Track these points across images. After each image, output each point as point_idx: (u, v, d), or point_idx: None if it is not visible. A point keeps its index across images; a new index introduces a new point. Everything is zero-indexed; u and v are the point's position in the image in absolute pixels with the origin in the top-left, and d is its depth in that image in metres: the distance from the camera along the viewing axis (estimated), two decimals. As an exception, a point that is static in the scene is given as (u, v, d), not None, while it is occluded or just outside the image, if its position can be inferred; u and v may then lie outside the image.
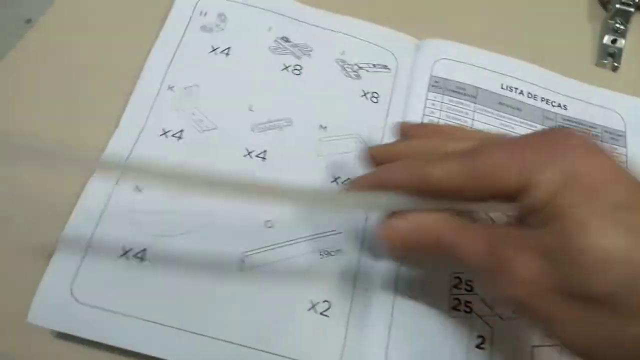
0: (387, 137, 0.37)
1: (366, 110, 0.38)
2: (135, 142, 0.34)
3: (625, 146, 0.40)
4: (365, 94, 0.38)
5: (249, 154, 0.34)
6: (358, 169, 0.35)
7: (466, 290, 0.32)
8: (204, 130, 0.35)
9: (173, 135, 0.34)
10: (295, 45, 0.39)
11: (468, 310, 0.32)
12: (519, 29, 0.44)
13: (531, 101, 0.40)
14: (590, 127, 0.40)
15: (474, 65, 0.41)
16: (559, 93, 0.41)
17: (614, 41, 0.45)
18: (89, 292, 0.29)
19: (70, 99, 0.35)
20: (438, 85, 0.39)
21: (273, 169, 0.34)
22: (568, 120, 0.40)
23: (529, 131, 0.38)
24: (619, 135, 0.40)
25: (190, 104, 0.35)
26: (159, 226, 0.31)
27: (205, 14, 0.39)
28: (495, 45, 0.42)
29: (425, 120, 0.38)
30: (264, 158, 0.34)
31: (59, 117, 0.34)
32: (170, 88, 0.36)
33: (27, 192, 0.31)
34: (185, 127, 0.35)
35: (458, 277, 0.33)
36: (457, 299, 0.32)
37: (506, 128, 0.39)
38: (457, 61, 0.41)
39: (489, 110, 0.39)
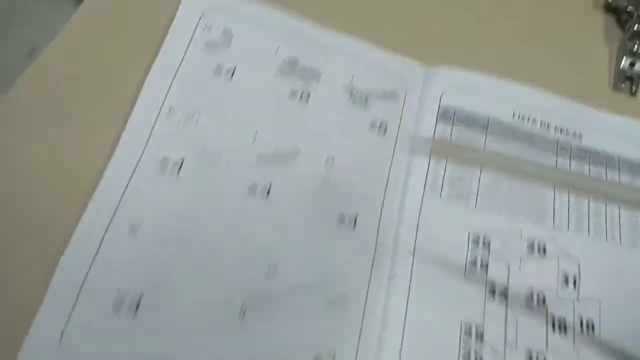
0: (395, 171, 0.35)
1: (374, 143, 0.36)
2: (132, 172, 0.32)
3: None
4: (374, 125, 0.37)
5: (253, 187, 0.33)
6: (366, 205, 0.34)
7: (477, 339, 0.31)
8: (207, 160, 0.33)
9: (174, 165, 0.32)
10: (304, 69, 0.37)
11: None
12: (531, 54, 0.43)
13: (544, 131, 0.39)
14: (607, 158, 0.39)
15: (484, 94, 0.39)
16: (573, 121, 0.40)
17: (632, 64, 0.43)
18: (78, 347, 0.27)
19: (63, 124, 0.33)
20: (447, 115, 0.38)
21: (278, 205, 0.33)
22: (583, 150, 0.39)
23: (542, 162, 0.37)
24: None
25: (192, 130, 0.34)
26: (154, 273, 0.30)
27: (210, 29, 0.37)
28: (507, 72, 0.40)
29: (434, 153, 0.37)
30: (268, 192, 0.33)
31: (52, 143, 0.32)
32: (171, 112, 0.34)
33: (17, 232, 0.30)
34: (186, 155, 0.33)
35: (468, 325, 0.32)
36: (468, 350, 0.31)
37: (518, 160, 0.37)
38: (467, 89, 0.39)
39: (501, 141, 0.38)
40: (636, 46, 0.44)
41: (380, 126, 0.37)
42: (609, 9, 0.46)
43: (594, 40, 0.45)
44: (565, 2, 0.46)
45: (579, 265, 0.35)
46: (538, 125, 0.39)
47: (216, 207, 0.32)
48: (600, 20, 0.46)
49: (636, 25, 0.44)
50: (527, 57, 0.42)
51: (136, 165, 0.32)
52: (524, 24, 0.44)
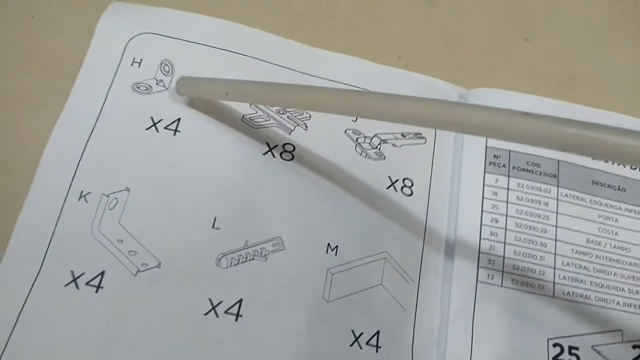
0: (429, 252, 0.24)
1: (396, 210, 0.24)
2: (24, 301, 0.20)
3: None
4: (393, 184, 0.25)
5: (213, 308, 0.21)
6: (390, 320, 0.22)
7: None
8: (140, 271, 0.21)
9: (88, 284, 0.21)
10: (285, 111, 0.25)
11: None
12: (589, 60, 0.31)
13: (637, 174, 0.27)
14: None
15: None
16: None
17: None
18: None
19: None
20: (498, 162, 0.26)
21: (253, 331, 0.21)
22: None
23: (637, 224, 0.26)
24: None
25: (116, 224, 0.22)
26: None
27: (140, 62, 0.25)
28: (561, 89, 0.28)
29: (486, 219, 0.25)
30: (238, 315, 0.21)
31: None
32: (83, 197, 0.22)
33: None
34: (108, 267, 0.21)
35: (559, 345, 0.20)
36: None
37: (606, 222, 0.26)
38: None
39: (579, 195, 0.26)
40: None
41: (404, 184, 0.25)
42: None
43: None
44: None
45: None
46: (629, 166, 0.27)
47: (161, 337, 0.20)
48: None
49: None
50: (585, 67, 0.30)
51: (31, 287, 0.20)
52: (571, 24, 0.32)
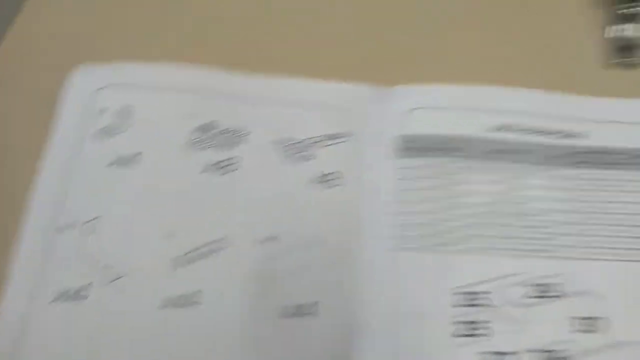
0: (362, 234, 0.28)
1: (327, 201, 0.29)
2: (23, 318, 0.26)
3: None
4: (322, 178, 0.29)
5: (168, 304, 0.26)
6: (328, 292, 0.27)
7: None
8: (112, 281, 0.26)
9: (74, 297, 0.26)
10: (225, 132, 0.30)
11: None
12: (503, 50, 0.34)
13: (540, 139, 0.31)
14: (622, 154, 0.30)
15: (457, 109, 0.31)
16: (572, 119, 0.31)
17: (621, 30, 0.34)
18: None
19: None
20: (414, 145, 0.30)
21: (207, 318, 0.26)
22: (591, 152, 0.30)
23: (545, 185, 0.29)
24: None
25: (93, 246, 0.27)
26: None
27: (103, 111, 0.31)
28: (476, 77, 0.32)
29: (402, 197, 0.29)
30: (195, 302, 0.26)
31: None
32: (66, 228, 0.27)
33: None
34: (91, 280, 0.26)
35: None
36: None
37: (511, 181, 0.29)
38: (435, 108, 0.31)
39: (485, 164, 0.30)
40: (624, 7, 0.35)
41: (331, 178, 0.29)
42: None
43: (570, 15, 0.36)
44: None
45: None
46: (533, 134, 0.31)
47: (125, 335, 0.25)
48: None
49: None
50: (499, 54, 0.34)
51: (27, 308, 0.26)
52: (477, 19, 0.36)
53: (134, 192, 0.28)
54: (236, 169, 0.29)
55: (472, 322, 0.26)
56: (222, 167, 0.29)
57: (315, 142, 0.30)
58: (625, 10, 0.34)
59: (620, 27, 0.34)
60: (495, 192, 0.29)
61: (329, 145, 0.30)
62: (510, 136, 0.31)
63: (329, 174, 0.29)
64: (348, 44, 0.34)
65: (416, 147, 0.30)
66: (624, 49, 0.34)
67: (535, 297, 0.27)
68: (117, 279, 0.26)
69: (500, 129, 0.31)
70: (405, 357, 0.26)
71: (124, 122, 0.30)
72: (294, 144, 0.30)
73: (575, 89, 0.32)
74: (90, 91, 0.31)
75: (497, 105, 0.31)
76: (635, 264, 0.28)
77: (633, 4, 0.34)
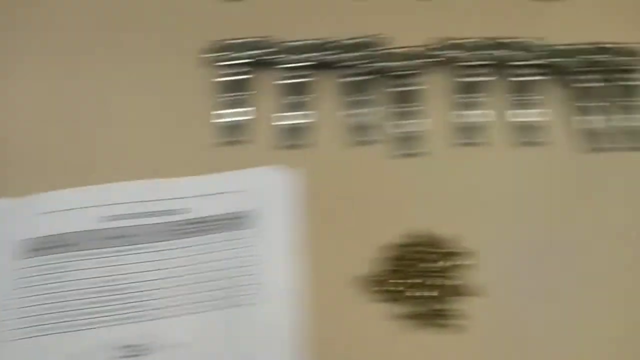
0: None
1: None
2: None
3: (256, 226, 0.37)
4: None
5: None
6: None
7: None
8: None
9: None
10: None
11: None
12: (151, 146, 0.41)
13: (145, 220, 0.37)
14: (216, 221, 0.37)
15: (74, 209, 0.38)
16: (174, 198, 0.38)
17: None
18: None
19: None
20: (37, 246, 0.37)
21: None
22: (192, 223, 0.37)
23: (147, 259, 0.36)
24: (249, 217, 0.37)
25: None
26: None
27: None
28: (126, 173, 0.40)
29: (22, 293, 0.35)
30: None
31: None
32: None
33: None
34: None
35: None
36: None
37: (120, 262, 0.36)
38: (56, 211, 0.38)
39: (95, 251, 0.36)
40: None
41: None
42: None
43: (179, 109, 0.43)
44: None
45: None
46: (140, 218, 0.38)
47: None
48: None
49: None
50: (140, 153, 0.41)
51: None
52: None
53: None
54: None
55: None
56: None
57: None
58: (230, 97, 0.42)
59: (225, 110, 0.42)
60: (101, 276, 0.36)
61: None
62: (121, 223, 0.38)
63: None
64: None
65: (39, 247, 0.37)
66: (232, 128, 0.41)
67: (125, 357, 0.33)
68: None
69: (112, 219, 0.38)
70: None
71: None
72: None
73: (190, 170, 0.39)
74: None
75: (110, 199, 0.38)
76: (211, 313, 0.34)
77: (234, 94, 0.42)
